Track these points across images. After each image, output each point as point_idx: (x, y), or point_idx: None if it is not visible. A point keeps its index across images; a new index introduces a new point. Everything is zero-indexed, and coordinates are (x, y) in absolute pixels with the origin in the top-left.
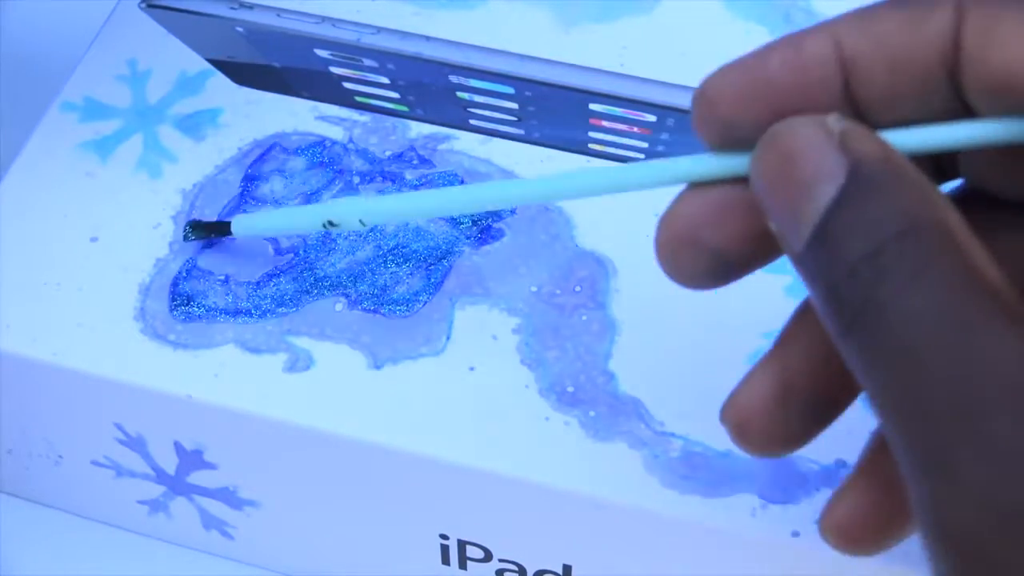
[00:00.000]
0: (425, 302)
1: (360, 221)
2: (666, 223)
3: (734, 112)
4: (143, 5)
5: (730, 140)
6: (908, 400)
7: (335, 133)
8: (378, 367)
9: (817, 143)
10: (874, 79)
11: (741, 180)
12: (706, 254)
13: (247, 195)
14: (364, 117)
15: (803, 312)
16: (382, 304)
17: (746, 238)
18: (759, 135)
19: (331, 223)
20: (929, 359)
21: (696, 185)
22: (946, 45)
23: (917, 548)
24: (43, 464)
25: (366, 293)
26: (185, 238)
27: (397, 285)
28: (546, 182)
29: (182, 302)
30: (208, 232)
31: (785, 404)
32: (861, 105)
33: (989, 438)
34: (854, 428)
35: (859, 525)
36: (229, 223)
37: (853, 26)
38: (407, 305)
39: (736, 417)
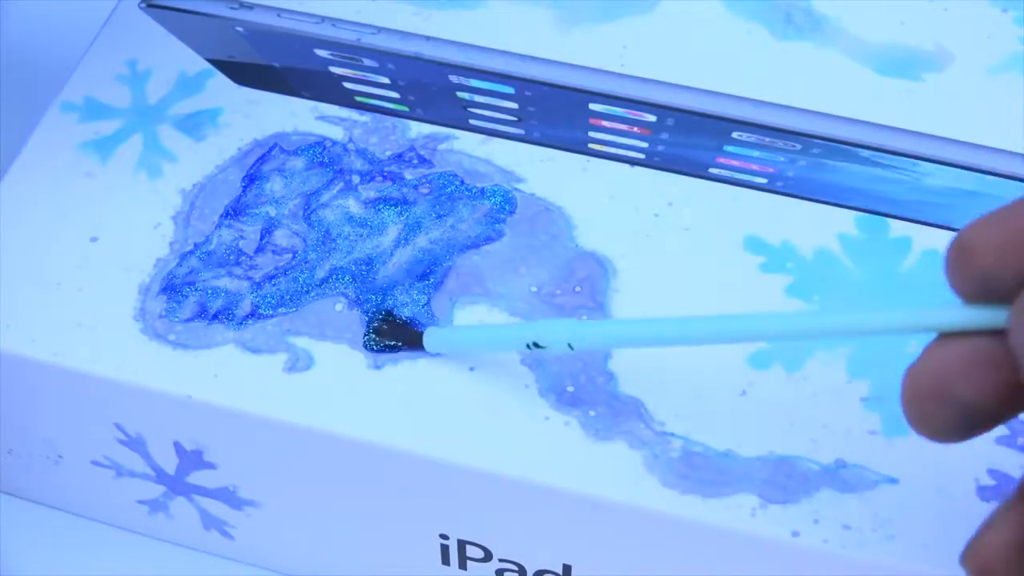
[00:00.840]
0: (425, 303)
1: (569, 345)
2: (914, 376)
3: (994, 264)
4: (143, 5)
5: (985, 292)
6: None
7: (335, 133)
8: (378, 367)
9: None
10: None
11: (995, 332)
12: (956, 408)
13: (247, 195)
14: (364, 117)
15: None
16: (383, 304)
17: (998, 391)
18: (1017, 288)
19: (536, 344)
20: None
21: (945, 336)
22: None
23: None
24: (43, 464)
25: (366, 293)
26: (366, 346)
27: (397, 286)
28: (781, 319)
29: (177, 300)
30: (394, 340)
31: None
32: None
33: None
34: (853, 428)
35: (1007, 561)
36: (421, 334)
37: None
38: (407, 306)
39: (979, 563)
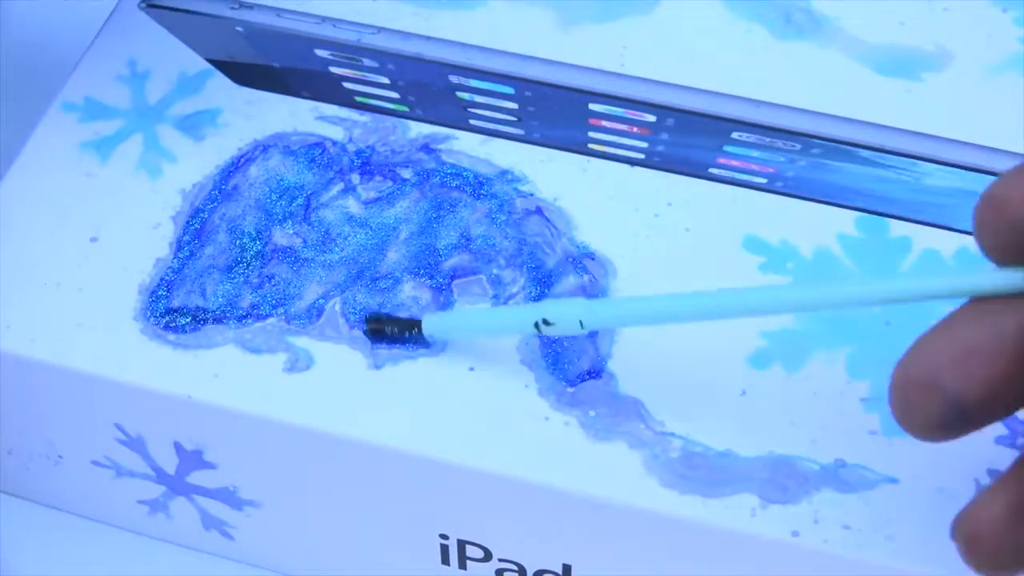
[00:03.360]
0: (426, 303)
1: (580, 322)
2: (904, 365)
3: None
4: (143, 5)
5: (1018, 244)
6: None
7: (335, 133)
8: (378, 367)
9: None
10: None
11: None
12: (944, 400)
13: (246, 195)
14: (364, 117)
15: None
16: (383, 304)
17: (990, 384)
18: None
19: (546, 322)
20: None
21: (941, 327)
22: None
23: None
24: (43, 464)
25: (367, 292)
26: (366, 334)
27: (398, 285)
28: (796, 290)
29: (170, 315)
30: (392, 329)
31: (1021, 523)
32: None
33: None
34: (853, 428)
35: (996, 531)
36: (419, 321)
37: None
38: (406, 305)
39: (969, 532)
